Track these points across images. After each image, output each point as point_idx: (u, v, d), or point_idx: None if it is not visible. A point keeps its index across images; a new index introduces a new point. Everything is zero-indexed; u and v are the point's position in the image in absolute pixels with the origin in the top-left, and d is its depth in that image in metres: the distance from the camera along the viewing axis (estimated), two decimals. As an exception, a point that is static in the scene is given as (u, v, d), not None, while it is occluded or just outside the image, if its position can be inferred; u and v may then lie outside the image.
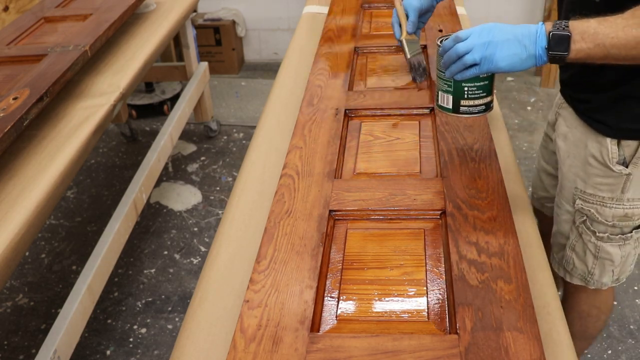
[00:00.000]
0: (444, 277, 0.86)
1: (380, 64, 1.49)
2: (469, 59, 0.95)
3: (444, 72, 1.02)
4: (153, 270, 2.19)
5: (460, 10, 1.85)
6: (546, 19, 3.32)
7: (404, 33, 1.35)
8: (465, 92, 1.01)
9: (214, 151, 2.90)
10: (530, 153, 2.77)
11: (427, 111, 1.26)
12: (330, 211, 0.99)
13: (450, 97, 1.03)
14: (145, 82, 3.12)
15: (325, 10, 1.94)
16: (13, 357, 1.86)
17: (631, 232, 1.22)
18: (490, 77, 1.01)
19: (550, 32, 0.92)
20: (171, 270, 2.19)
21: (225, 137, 3.01)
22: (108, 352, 1.88)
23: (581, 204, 1.23)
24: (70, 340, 1.44)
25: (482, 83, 1.01)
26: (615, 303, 1.42)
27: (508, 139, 1.33)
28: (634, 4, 0.91)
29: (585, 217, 1.23)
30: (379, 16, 1.79)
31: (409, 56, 1.36)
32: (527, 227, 1.08)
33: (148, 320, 1.98)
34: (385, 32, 1.66)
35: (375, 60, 1.52)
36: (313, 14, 2.03)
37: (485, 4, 3.42)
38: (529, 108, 3.16)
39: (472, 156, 1.10)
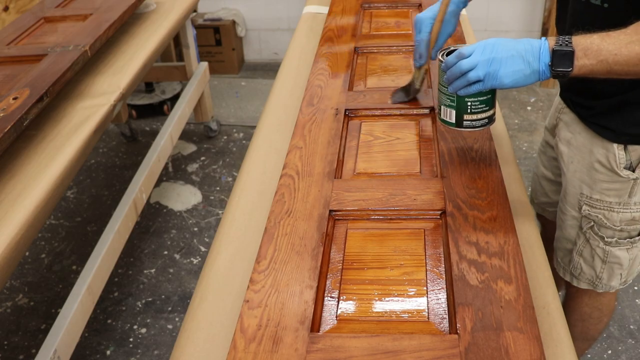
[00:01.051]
0: (444, 277, 0.86)
1: (380, 64, 1.49)
2: (472, 75, 0.94)
3: (446, 87, 1.00)
4: (153, 270, 2.19)
5: (460, 10, 1.84)
6: (546, 19, 3.32)
7: (429, 61, 1.20)
8: (469, 107, 1.00)
9: (214, 151, 2.90)
10: (530, 153, 2.77)
11: (427, 111, 1.26)
12: (330, 211, 0.98)
13: (453, 112, 1.02)
14: (145, 82, 3.12)
15: (325, 10, 1.94)
16: (13, 357, 1.86)
17: (639, 235, 1.21)
18: (493, 91, 1.00)
19: (553, 48, 0.91)
20: (171, 270, 2.19)
21: (225, 137, 3.01)
22: (108, 352, 1.88)
23: (588, 210, 1.22)
24: (70, 340, 1.44)
25: (485, 97, 0.99)
26: (615, 303, 1.42)
27: (508, 139, 1.33)
28: None
29: (592, 223, 1.22)
30: (379, 16, 1.79)
31: (417, 86, 1.25)
32: (527, 227, 1.08)
33: (148, 320, 1.98)
34: (385, 32, 1.66)
35: (375, 60, 1.52)
36: (313, 14, 2.03)
37: (485, 4, 3.42)
38: (529, 108, 3.16)
39: (472, 156, 1.09)
